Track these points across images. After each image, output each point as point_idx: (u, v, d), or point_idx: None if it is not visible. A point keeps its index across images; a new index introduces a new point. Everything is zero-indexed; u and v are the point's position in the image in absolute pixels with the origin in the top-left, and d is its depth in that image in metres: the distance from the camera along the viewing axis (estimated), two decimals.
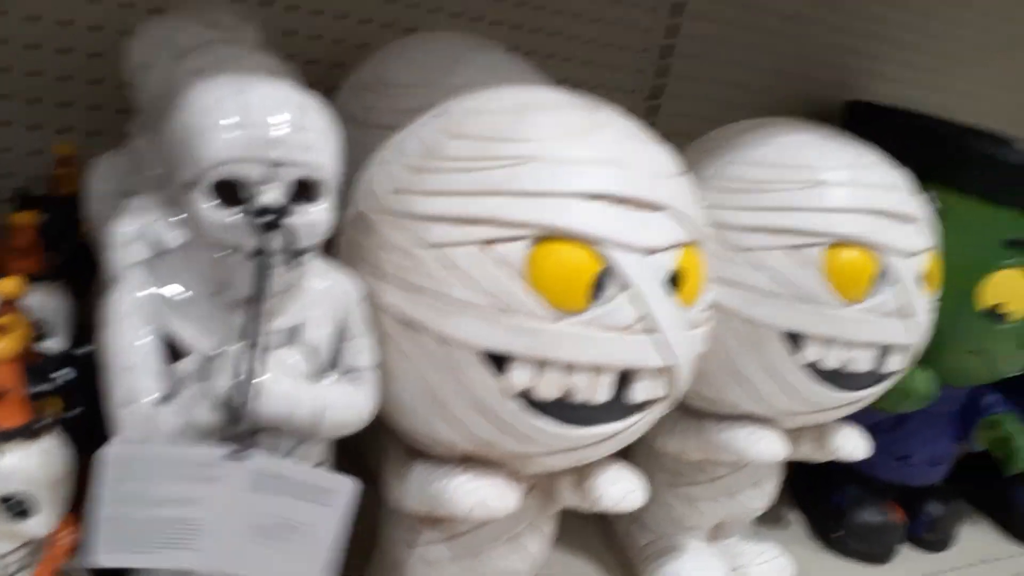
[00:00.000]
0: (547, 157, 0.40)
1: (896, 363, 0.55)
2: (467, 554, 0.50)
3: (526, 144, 0.41)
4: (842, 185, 0.52)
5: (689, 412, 0.60)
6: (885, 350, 0.54)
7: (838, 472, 0.76)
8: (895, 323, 0.53)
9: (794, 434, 0.61)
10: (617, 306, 0.40)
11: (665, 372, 0.42)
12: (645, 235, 0.40)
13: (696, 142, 0.61)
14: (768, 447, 0.55)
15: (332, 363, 0.41)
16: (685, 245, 0.43)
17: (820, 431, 0.61)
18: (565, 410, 0.41)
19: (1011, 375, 0.71)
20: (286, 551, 0.40)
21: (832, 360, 0.53)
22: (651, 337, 0.41)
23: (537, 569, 0.53)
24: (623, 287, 0.39)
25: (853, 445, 0.60)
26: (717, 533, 0.67)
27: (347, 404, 0.40)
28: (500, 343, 0.39)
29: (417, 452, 0.47)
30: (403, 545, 0.51)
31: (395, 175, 0.44)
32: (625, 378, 0.41)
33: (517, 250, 0.39)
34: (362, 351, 0.41)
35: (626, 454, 0.49)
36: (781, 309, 0.52)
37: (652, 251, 0.40)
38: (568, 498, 0.49)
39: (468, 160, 0.41)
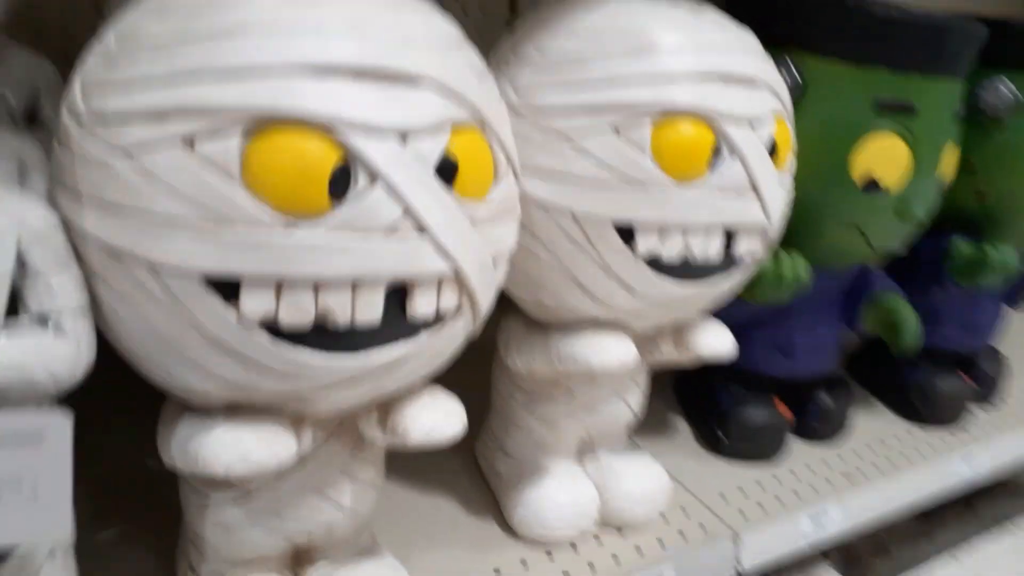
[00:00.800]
0: (261, 24, 0.32)
1: (748, 247, 0.49)
2: (266, 514, 0.43)
3: (235, 10, 0.32)
4: (670, 49, 0.45)
5: (534, 326, 0.54)
6: (731, 233, 0.48)
7: (720, 373, 0.72)
8: (739, 202, 0.47)
9: (651, 336, 0.56)
10: (369, 204, 0.33)
11: (450, 280, 0.37)
12: (396, 114, 0.33)
13: (523, 17, 0.53)
14: (613, 353, 0.50)
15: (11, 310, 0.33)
16: (458, 127, 0.36)
17: (679, 331, 0.55)
18: (327, 337, 0.35)
19: (893, 250, 0.66)
20: (9, 507, 0.32)
21: (671, 249, 0.47)
22: (420, 238, 0.34)
23: (361, 519, 0.47)
24: (372, 179, 0.33)
25: (715, 342, 0.55)
26: (585, 450, 0.61)
27: (36, 359, 0.32)
28: (221, 264, 0.32)
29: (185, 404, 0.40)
30: (195, 509, 0.44)
31: (90, 68, 0.35)
32: (399, 292, 0.35)
33: (227, 146, 0.32)
34: (52, 292, 0.33)
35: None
36: (610, 198, 0.45)
37: (407, 133, 0.34)
38: (375, 437, 0.42)
39: (166, 37, 0.33)
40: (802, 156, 0.59)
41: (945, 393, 0.80)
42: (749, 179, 0.46)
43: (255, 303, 0.33)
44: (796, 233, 0.63)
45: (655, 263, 0.47)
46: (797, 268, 0.61)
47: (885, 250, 0.66)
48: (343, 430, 0.44)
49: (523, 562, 0.56)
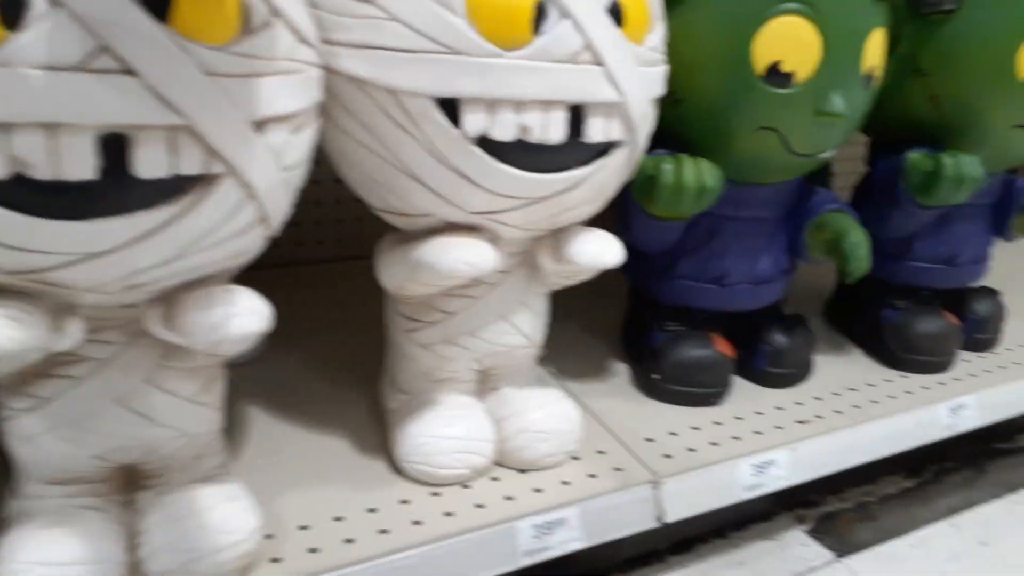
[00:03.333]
0: None
1: (602, 129, 0.45)
2: (65, 424, 0.40)
3: None
4: None
5: (401, 238, 0.50)
6: (577, 110, 0.43)
7: (655, 309, 0.66)
8: (577, 72, 0.42)
9: (526, 247, 0.51)
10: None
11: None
12: None
13: None
14: (462, 255, 0.45)
15: None
16: None
17: (556, 237, 0.50)
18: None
19: (820, 157, 0.59)
20: None
21: (504, 127, 0.42)
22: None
23: (191, 441, 0.44)
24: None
25: (595, 250, 0.50)
26: (486, 385, 0.56)
27: None
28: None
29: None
30: (3, 423, 0.41)
31: None
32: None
33: None
34: None
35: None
36: (428, 70, 0.41)
37: None
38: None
39: None
40: (701, 47, 0.54)
41: (923, 334, 0.72)
42: (585, 43, 0.42)
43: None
44: (709, 142, 0.57)
45: (487, 144, 0.42)
46: (702, 174, 0.55)
47: (810, 156, 0.59)
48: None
49: (403, 501, 0.51)
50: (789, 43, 0.53)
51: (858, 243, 0.60)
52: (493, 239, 0.48)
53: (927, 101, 0.66)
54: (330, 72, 0.42)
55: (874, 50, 0.57)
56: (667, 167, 0.54)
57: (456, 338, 0.52)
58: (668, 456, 0.58)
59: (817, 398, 0.68)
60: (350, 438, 0.58)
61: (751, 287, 0.65)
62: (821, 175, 0.81)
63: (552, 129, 0.43)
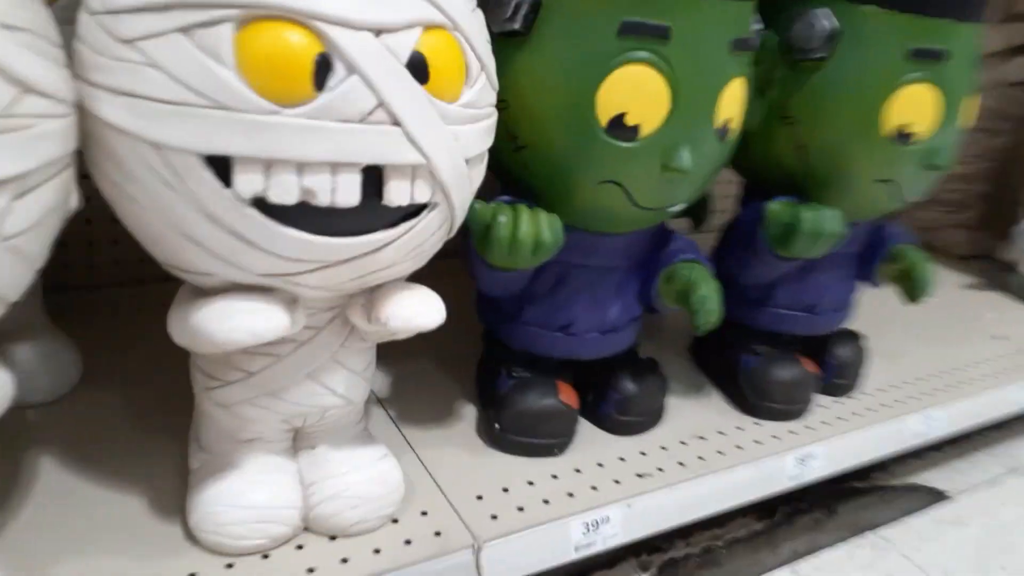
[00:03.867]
0: None
1: (407, 192, 0.40)
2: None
3: None
4: None
5: (193, 290, 0.45)
6: (375, 172, 0.39)
7: (505, 352, 0.63)
8: (370, 133, 0.38)
9: (340, 301, 0.47)
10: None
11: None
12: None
13: None
14: (245, 324, 0.40)
15: None
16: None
17: (369, 296, 0.46)
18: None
19: (665, 208, 0.57)
20: None
21: (283, 191, 0.37)
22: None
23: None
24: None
25: (408, 314, 0.46)
26: (302, 444, 0.52)
27: None
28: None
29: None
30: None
31: None
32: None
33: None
34: None
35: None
36: (191, 124, 0.36)
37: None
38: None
39: None
40: (542, 94, 0.50)
41: (777, 381, 0.71)
42: (377, 101, 0.37)
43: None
44: (552, 191, 0.54)
45: (265, 206, 0.38)
46: (539, 228, 0.51)
47: (656, 210, 0.56)
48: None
49: (191, 574, 0.47)
50: (635, 94, 0.50)
51: (706, 297, 0.58)
52: (291, 300, 0.43)
53: (794, 149, 0.64)
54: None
55: (731, 102, 0.54)
56: (502, 219, 0.51)
57: (258, 399, 0.48)
58: (495, 517, 0.55)
59: (663, 448, 0.66)
60: (152, 498, 0.53)
61: (599, 336, 0.62)
62: (701, 213, 0.79)
63: (342, 193, 0.38)
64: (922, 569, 0.73)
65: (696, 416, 0.72)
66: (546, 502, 0.58)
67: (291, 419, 0.50)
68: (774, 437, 0.70)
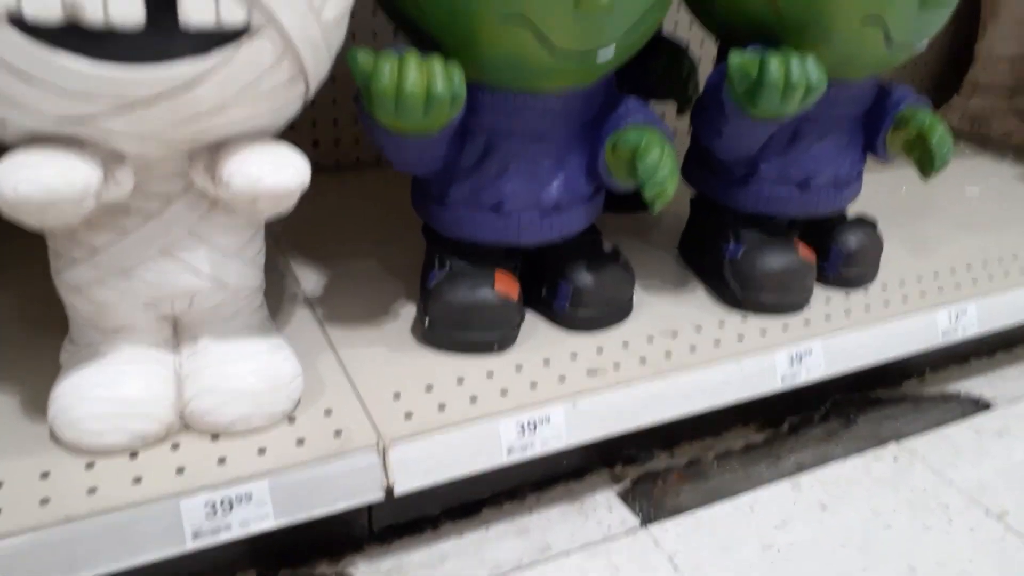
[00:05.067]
0: None
1: (207, 7, 0.33)
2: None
3: None
4: None
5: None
6: None
7: (437, 240, 0.56)
8: None
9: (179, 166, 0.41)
10: None
11: None
12: None
13: None
14: (33, 176, 0.35)
15: None
16: None
17: (212, 153, 0.40)
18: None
19: (589, 51, 0.48)
20: None
21: (39, 3, 0.31)
22: None
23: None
24: None
25: (255, 171, 0.39)
26: (183, 336, 0.47)
27: None
28: None
29: None
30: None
31: None
32: None
33: None
34: None
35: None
36: None
37: None
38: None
39: None
40: None
41: (763, 271, 0.62)
42: None
43: None
44: (452, 36, 0.46)
45: (24, 27, 0.32)
46: (432, 78, 0.44)
47: (580, 55, 0.48)
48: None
49: (44, 475, 0.43)
50: None
51: (655, 165, 0.49)
52: (113, 157, 0.37)
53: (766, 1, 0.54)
54: None
55: None
56: (385, 68, 0.43)
57: (108, 279, 0.42)
58: (409, 415, 0.49)
59: (625, 343, 0.58)
60: (24, 396, 0.49)
61: (538, 217, 0.54)
62: (682, 90, 0.69)
63: (118, 5, 0.32)
64: (954, 485, 0.63)
65: (672, 311, 0.63)
66: (473, 400, 0.51)
67: (156, 304, 0.44)
68: (761, 333, 0.61)
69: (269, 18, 0.36)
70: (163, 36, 0.33)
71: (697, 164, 0.66)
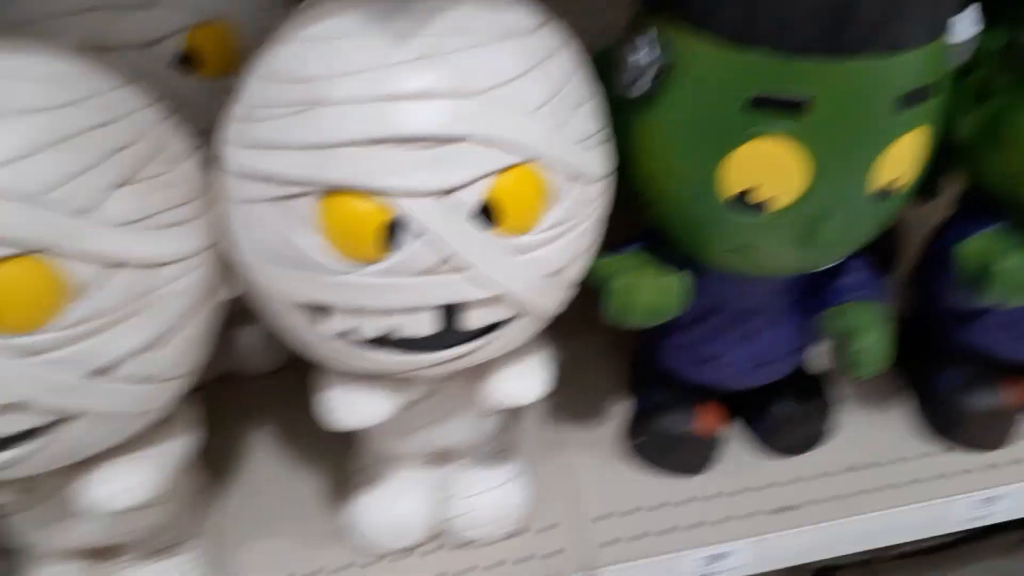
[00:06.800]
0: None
1: (482, 317, 0.43)
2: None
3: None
4: (334, 105, 0.37)
5: None
6: (450, 308, 0.41)
7: (649, 364, 0.64)
8: (443, 280, 0.40)
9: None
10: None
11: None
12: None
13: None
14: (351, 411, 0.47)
15: None
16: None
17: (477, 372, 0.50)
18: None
19: (812, 270, 0.52)
20: None
21: (370, 329, 0.42)
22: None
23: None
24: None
25: (503, 394, 0.49)
26: (442, 459, 0.59)
27: None
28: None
29: None
30: None
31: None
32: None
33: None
34: None
35: None
36: (286, 276, 0.41)
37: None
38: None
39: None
40: (661, 160, 0.48)
41: (970, 410, 0.63)
42: (443, 257, 0.39)
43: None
44: (682, 248, 0.52)
45: (354, 339, 0.43)
46: (655, 298, 0.51)
47: (794, 271, 0.52)
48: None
49: (347, 564, 0.58)
50: (765, 169, 0.45)
51: (865, 350, 0.53)
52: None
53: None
54: None
55: (896, 162, 0.46)
56: (616, 287, 0.50)
57: (387, 439, 0.55)
58: (615, 541, 0.59)
59: (824, 475, 0.63)
60: (325, 485, 0.63)
61: (751, 368, 0.59)
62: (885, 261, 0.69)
63: (420, 328, 0.41)
64: None
65: (875, 437, 0.67)
66: (667, 532, 0.59)
67: (424, 445, 0.56)
68: (965, 472, 0.64)
69: (528, 310, 0.44)
70: (447, 336, 0.42)
71: (919, 282, 0.66)
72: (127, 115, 0.38)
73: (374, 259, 0.39)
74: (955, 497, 0.62)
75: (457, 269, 0.39)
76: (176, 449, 0.46)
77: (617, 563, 0.57)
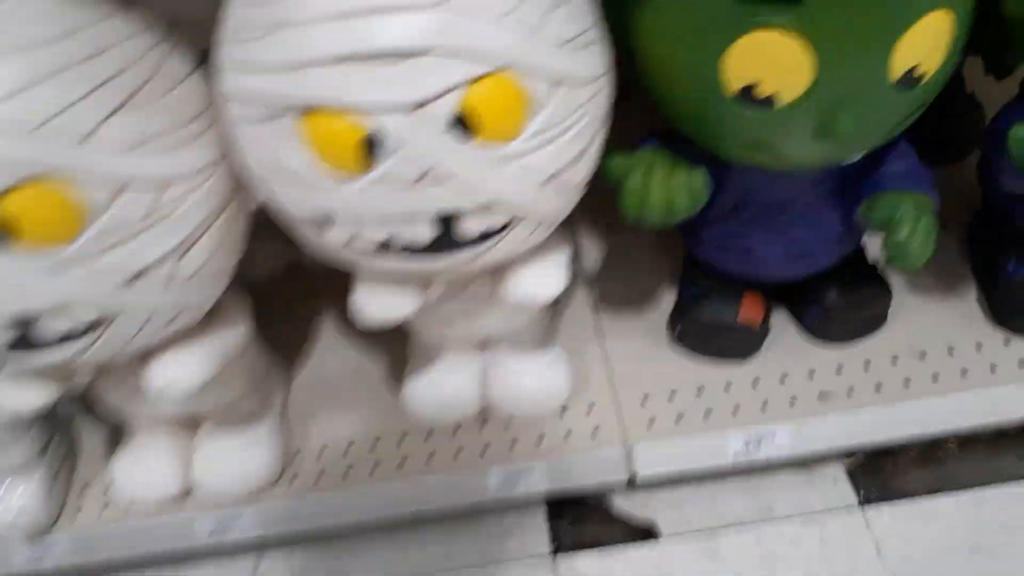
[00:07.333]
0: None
1: (479, 225, 0.44)
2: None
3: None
4: (301, 25, 0.38)
5: None
6: (446, 217, 0.43)
7: (694, 264, 0.64)
8: (429, 190, 0.42)
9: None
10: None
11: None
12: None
13: None
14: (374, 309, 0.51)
15: None
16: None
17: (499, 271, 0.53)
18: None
19: (838, 163, 0.49)
20: None
21: (370, 237, 0.45)
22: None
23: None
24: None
25: (524, 290, 0.52)
26: (487, 344, 0.64)
27: None
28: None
29: None
30: None
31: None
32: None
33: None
34: None
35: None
36: (284, 191, 0.44)
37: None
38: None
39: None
40: (663, 55, 0.47)
41: None
42: (424, 169, 0.40)
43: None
44: (698, 143, 0.51)
45: (357, 246, 0.46)
46: (672, 193, 0.50)
47: (819, 163, 0.49)
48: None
49: (403, 434, 0.64)
50: (765, 62, 0.43)
51: (904, 243, 0.50)
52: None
53: None
54: None
55: (919, 45, 0.42)
56: (631, 185, 0.50)
57: (432, 327, 0.60)
58: (652, 420, 0.62)
59: (867, 362, 0.63)
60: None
61: (787, 260, 0.59)
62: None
63: (418, 235, 0.44)
64: None
65: (930, 324, 0.65)
66: (708, 413, 0.62)
67: (467, 337, 0.60)
68: (1020, 364, 0.61)
69: (526, 215, 0.45)
70: (447, 242, 0.44)
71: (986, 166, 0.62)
72: (120, 43, 0.41)
73: (360, 173, 0.40)
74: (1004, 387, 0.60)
75: (439, 180, 0.41)
76: (225, 340, 0.53)
77: (654, 438, 0.60)
